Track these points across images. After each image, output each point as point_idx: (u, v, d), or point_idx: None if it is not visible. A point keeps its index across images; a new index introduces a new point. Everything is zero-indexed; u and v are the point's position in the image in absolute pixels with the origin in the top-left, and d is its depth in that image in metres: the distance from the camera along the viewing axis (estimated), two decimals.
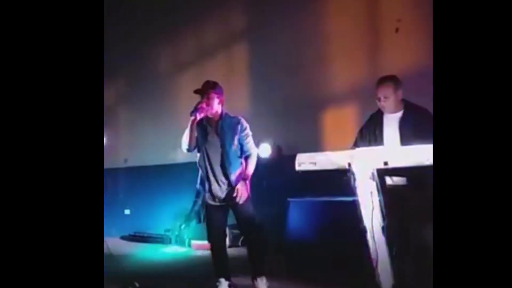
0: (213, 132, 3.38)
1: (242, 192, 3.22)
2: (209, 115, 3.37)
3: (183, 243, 5.96)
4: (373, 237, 2.57)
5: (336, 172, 2.60)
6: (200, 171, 3.44)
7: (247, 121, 3.45)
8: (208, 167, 3.37)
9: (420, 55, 4.50)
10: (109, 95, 6.96)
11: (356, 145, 2.99)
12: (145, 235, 6.55)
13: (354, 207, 2.63)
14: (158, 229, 6.44)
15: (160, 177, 6.60)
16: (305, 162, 2.67)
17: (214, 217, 3.44)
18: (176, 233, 6.08)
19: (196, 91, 3.36)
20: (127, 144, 7.31)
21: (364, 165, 2.53)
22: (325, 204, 4.18)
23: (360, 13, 5.07)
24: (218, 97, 3.35)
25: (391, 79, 3.01)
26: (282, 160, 4.80)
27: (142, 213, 6.89)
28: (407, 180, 2.87)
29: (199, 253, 5.37)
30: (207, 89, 3.33)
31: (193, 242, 5.75)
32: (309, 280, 3.76)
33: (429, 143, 2.54)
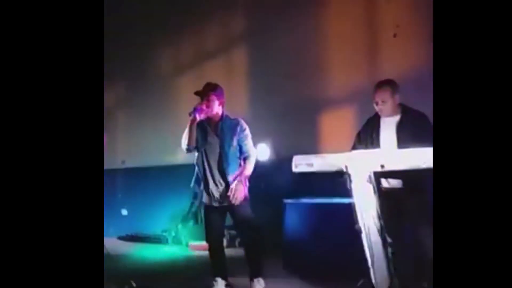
0: (212, 133, 3.40)
1: (236, 192, 3.24)
2: (210, 116, 3.40)
3: (180, 243, 5.97)
4: (369, 238, 2.60)
5: (333, 174, 2.63)
6: (197, 171, 3.46)
7: (247, 123, 3.48)
8: (206, 167, 3.40)
9: (418, 60, 4.54)
10: (107, 97, 6.96)
11: (354, 148, 3.03)
12: (143, 235, 6.56)
13: (350, 209, 2.66)
14: (155, 230, 6.45)
15: (157, 179, 6.61)
16: (301, 163, 2.69)
17: (212, 218, 3.46)
18: (173, 233, 6.09)
19: (196, 93, 3.39)
20: (124, 146, 7.32)
21: (360, 167, 2.56)
22: (322, 205, 4.20)
23: (359, 18, 5.11)
24: (218, 99, 3.37)
25: (388, 84, 3.05)
26: (280, 162, 4.83)
27: (140, 214, 6.90)
28: (403, 183, 2.90)
29: (196, 253, 5.38)
30: (207, 91, 3.36)
31: (191, 243, 5.77)
32: (306, 281, 3.78)
33: (425, 146, 2.58)
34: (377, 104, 3.03)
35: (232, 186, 3.26)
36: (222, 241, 3.60)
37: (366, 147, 2.94)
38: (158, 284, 3.94)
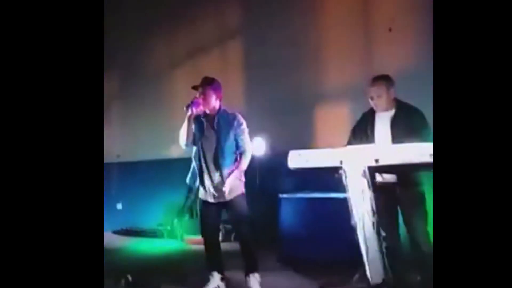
0: (209, 127, 3.40)
1: (230, 187, 3.25)
2: (207, 111, 3.39)
3: (175, 237, 5.98)
4: (363, 233, 2.62)
5: (328, 169, 2.64)
6: (193, 165, 3.46)
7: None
8: (202, 161, 3.40)
9: (413, 55, 4.55)
10: None
11: (349, 143, 3.03)
12: (138, 229, 6.56)
13: (345, 203, 2.67)
14: (150, 224, 6.46)
15: (152, 173, 6.61)
16: (297, 159, 2.70)
17: (207, 212, 3.46)
18: (169, 227, 6.10)
19: (194, 87, 3.38)
20: (119, 140, 7.30)
21: (355, 162, 2.57)
22: (317, 200, 4.22)
23: (355, 12, 5.10)
24: (215, 93, 3.37)
25: (383, 79, 3.06)
26: (275, 157, 4.83)
27: (135, 208, 6.89)
28: (398, 178, 2.92)
29: (192, 247, 5.39)
30: (204, 85, 3.35)
31: (187, 237, 5.78)
32: (301, 275, 3.80)
33: (420, 141, 2.60)
34: (372, 99, 3.04)
35: (226, 181, 3.27)
36: (217, 236, 3.62)
37: (361, 142, 2.95)
38: (153, 278, 3.94)
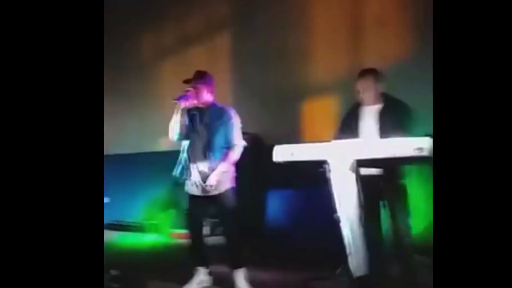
0: (200, 121, 3.38)
1: (214, 180, 3.23)
2: (198, 104, 3.37)
3: (161, 231, 5.96)
4: (347, 226, 2.62)
5: (314, 163, 2.63)
6: (181, 158, 3.44)
7: None
8: (191, 155, 3.38)
9: (402, 48, 4.56)
10: None
11: (336, 137, 3.03)
12: (124, 223, 6.52)
13: (330, 197, 2.67)
14: (136, 218, 6.42)
15: (138, 166, 6.57)
16: (283, 153, 2.70)
17: (194, 207, 3.45)
18: (155, 221, 6.08)
19: (185, 81, 3.35)
20: (106, 132, 7.23)
21: (341, 156, 2.57)
22: (302, 194, 4.23)
23: (343, 5, 5.10)
24: (207, 87, 3.35)
25: (371, 72, 3.05)
26: (262, 150, 4.82)
27: (121, 202, 6.85)
28: (383, 171, 2.92)
29: (178, 241, 5.37)
30: (196, 79, 3.33)
31: (173, 231, 5.76)
32: (286, 269, 3.82)
33: (406, 135, 2.60)
34: (358, 93, 3.03)
35: (212, 174, 3.25)
36: (202, 230, 3.59)
37: (348, 136, 2.95)
38: (139, 272, 3.92)
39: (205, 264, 3.44)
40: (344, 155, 2.57)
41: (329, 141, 2.78)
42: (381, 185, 2.93)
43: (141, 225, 6.23)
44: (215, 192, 3.29)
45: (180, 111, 3.31)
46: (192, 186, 3.40)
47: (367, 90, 3.00)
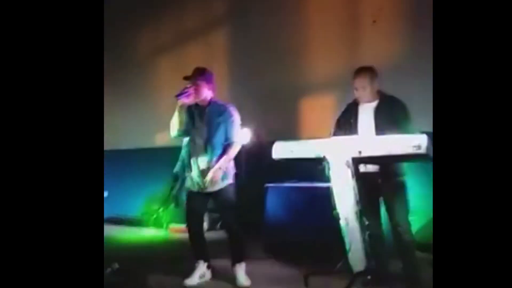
0: (200, 118, 3.39)
1: (212, 175, 3.25)
2: (198, 101, 3.39)
3: (160, 226, 5.99)
4: (346, 222, 2.67)
5: (312, 160, 2.67)
6: (182, 155, 3.46)
7: None
8: (192, 151, 3.40)
9: (398, 45, 4.59)
10: None
11: (334, 134, 3.07)
12: (123, 218, 6.55)
13: (329, 192, 2.71)
14: (135, 212, 6.45)
15: (138, 161, 6.58)
16: (282, 150, 2.73)
17: (193, 202, 3.47)
18: (154, 216, 6.10)
19: (185, 78, 3.36)
20: (104, 128, 7.23)
21: (339, 153, 2.61)
22: (302, 189, 4.27)
23: (340, 3, 5.12)
24: (207, 84, 3.35)
25: (367, 70, 3.08)
26: (262, 146, 4.85)
27: (120, 196, 6.87)
28: (380, 168, 2.96)
29: (177, 235, 5.41)
30: (196, 76, 3.34)
31: (171, 226, 5.79)
32: (285, 264, 3.86)
33: (402, 132, 2.65)
34: (356, 90, 3.07)
35: (211, 170, 3.29)
36: (201, 225, 3.62)
37: (346, 133, 2.98)
38: (139, 266, 3.95)
39: (205, 258, 3.48)
40: (343, 151, 2.60)
41: (329, 137, 2.82)
42: (380, 181, 2.97)
43: (141, 219, 6.26)
44: (215, 188, 3.33)
45: (180, 108, 3.33)
46: (193, 182, 3.43)
47: (363, 87, 3.03)
